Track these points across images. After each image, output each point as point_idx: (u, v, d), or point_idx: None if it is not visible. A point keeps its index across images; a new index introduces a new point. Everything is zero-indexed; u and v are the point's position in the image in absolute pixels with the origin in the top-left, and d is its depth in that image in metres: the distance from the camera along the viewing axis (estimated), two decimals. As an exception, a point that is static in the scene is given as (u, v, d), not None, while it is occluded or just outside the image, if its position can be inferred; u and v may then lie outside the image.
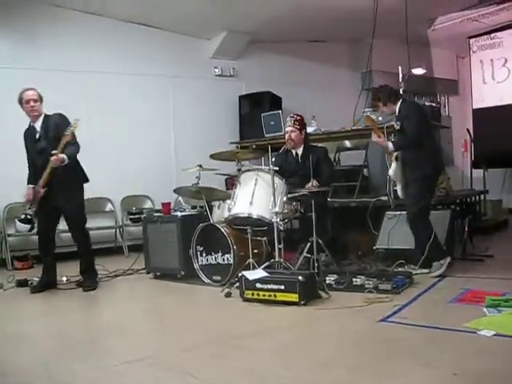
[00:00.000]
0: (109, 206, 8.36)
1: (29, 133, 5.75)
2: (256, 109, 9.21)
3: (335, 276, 5.15)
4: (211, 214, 5.82)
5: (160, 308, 4.97)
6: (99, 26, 8.48)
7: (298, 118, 6.01)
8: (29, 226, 7.72)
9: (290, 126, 5.98)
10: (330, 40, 10.34)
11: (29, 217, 7.73)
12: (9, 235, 7.77)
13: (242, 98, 9.56)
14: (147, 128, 8.76)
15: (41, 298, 5.41)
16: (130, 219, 8.39)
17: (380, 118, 6.47)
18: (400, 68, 8.03)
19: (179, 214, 6.07)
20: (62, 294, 5.59)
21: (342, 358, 3.26)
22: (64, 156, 5.38)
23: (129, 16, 8.58)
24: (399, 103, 5.48)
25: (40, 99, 5.64)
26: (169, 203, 6.33)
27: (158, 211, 6.92)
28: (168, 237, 5.91)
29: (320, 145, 6.63)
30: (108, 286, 5.85)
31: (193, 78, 9.24)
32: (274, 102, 9.29)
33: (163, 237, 5.96)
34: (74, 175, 5.68)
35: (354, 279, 5.03)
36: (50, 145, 5.48)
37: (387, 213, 6.30)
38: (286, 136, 6.01)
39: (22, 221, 7.69)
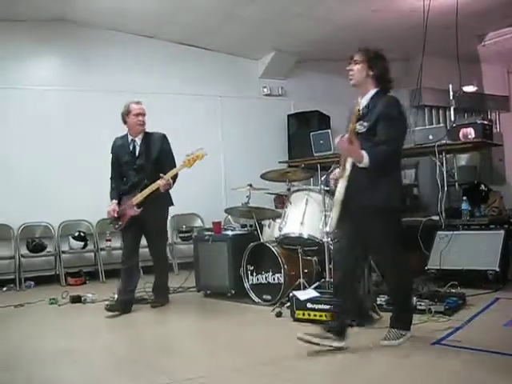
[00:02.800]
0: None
1: (124, 145, 5.63)
2: (304, 128, 9.25)
3: (386, 297, 5.11)
4: (261, 233, 5.87)
5: (210, 327, 5.00)
6: (151, 48, 8.73)
7: None
8: (82, 244, 8.01)
9: None
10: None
11: (82, 234, 8.01)
12: (63, 252, 7.97)
13: (291, 117, 9.62)
14: (194, 147, 8.86)
15: (95, 314, 5.49)
16: (180, 237, 8.50)
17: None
18: (450, 85, 7.93)
19: (230, 233, 6.14)
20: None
21: (395, 381, 3.24)
22: (171, 181, 5.38)
23: (180, 38, 8.77)
24: (374, 91, 3.87)
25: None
26: (219, 222, 6.41)
27: (208, 230, 7.00)
28: (219, 255, 5.96)
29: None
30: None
31: (242, 98, 9.35)
32: (322, 120, 9.31)
33: (214, 255, 6.02)
34: (163, 196, 5.53)
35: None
36: (149, 164, 5.45)
37: (439, 232, 6.21)
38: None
39: (75, 238, 7.99)
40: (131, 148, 5.58)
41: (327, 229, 5.12)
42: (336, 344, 3.74)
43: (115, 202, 5.57)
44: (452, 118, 7.84)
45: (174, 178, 5.48)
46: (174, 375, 3.51)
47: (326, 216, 5.13)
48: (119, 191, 5.63)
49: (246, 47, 9.11)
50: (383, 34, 8.49)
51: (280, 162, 8.91)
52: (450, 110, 8.20)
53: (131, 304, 5.53)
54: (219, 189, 8.87)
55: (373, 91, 3.85)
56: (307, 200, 5.34)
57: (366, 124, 3.74)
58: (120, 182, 5.67)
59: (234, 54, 9.32)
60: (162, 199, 5.53)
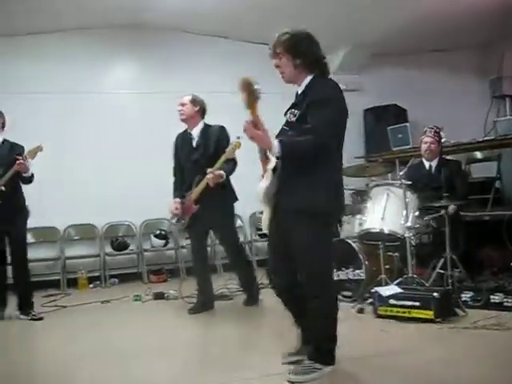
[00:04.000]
0: (238, 222, 8.60)
1: (183, 139, 5.59)
2: (381, 122, 9.11)
3: (471, 293, 5.00)
4: (341, 229, 5.84)
5: (291, 324, 4.99)
6: (226, 47, 8.84)
7: (438, 130, 5.91)
8: (163, 242, 8.21)
9: (430, 136, 5.88)
10: (454, 48, 10.03)
11: (163, 233, 8.20)
12: (145, 250, 8.20)
13: (367, 112, 9.50)
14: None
15: (178, 311, 5.62)
16: (259, 235, 8.57)
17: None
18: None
19: (309, 229, 6.12)
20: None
21: (486, 380, 3.15)
22: (222, 173, 5.21)
23: (254, 37, 8.82)
24: (309, 78, 3.39)
25: (192, 102, 5.45)
26: (297, 219, 6.40)
27: (286, 227, 7.02)
28: (298, 252, 5.95)
29: (449, 157, 6.46)
30: (241, 300, 5.88)
31: (317, 94, 9.31)
32: (399, 114, 9.14)
33: (293, 252, 6.02)
34: (224, 192, 5.42)
35: (491, 296, 4.86)
36: (204, 157, 5.32)
37: (525, 227, 6.02)
38: (425, 146, 5.92)
39: (157, 236, 8.19)
40: (189, 141, 5.52)
41: (409, 224, 5.04)
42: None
43: (177, 200, 5.48)
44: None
45: (230, 169, 5.32)
46: (262, 370, 3.54)
47: (407, 211, 5.05)
48: (182, 188, 5.53)
49: (320, 43, 9.05)
50: (458, 22, 8.26)
51: (356, 158, 8.82)
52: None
53: (212, 302, 5.57)
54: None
55: (309, 78, 3.38)
56: (388, 195, 5.26)
57: (296, 112, 3.30)
58: (181, 178, 5.58)
59: (308, 50, 9.29)
60: (224, 195, 5.39)
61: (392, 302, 4.56)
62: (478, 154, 8.11)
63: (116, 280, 7.90)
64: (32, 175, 5.52)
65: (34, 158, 5.38)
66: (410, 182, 5.14)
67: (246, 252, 6.01)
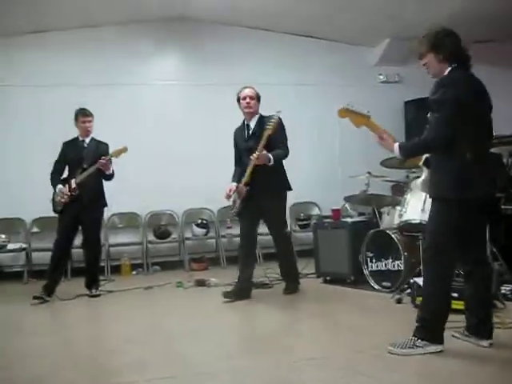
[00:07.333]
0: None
1: (240, 130, 5.72)
2: (422, 114, 9.02)
3: (511, 286, 4.99)
4: (380, 221, 5.89)
5: (331, 311, 5.09)
6: (265, 40, 8.97)
7: None
8: (204, 231, 8.37)
9: None
10: (496, 39, 9.89)
11: (204, 222, 8.36)
12: (186, 238, 8.37)
13: (408, 104, 9.47)
14: (311, 136, 9.00)
15: (219, 298, 5.63)
16: (298, 225, 8.66)
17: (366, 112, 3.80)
18: None
19: (349, 220, 6.21)
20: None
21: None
22: (268, 155, 5.25)
23: (294, 29, 8.91)
24: (448, 69, 3.52)
25: (257, 98, 5.59)
26: (339, 210, 6.49)
27: (325, 217, 7.10)
28: (338, 242, 6.05)
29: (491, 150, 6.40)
30: (280, 288, 5.92)
31: (356, 86, 9.30)
32: (441, 106, 9.08)
33: (333, 242, 6.13)
34: (277, 179, 5.51)
35: (530, 290, 4.85)
36: (257, 145, 5.30)
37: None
38: None
39: (198, 225, 8.35)
40: (245, 132, 5.66)
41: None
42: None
43: (234, 184, 5.59)
44: None
45: (281, 154, 5.41)
46: (297, 354, 3.66)
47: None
48: (240, 175, 5.61)
49: (361, 35, 9.07)
50: (504, 12, 8.14)
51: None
52: None
53: (249, 291, 5.62)
54: (335, 177, 8.91)
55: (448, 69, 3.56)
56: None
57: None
58: (240, 168, 5.67)
59: (349, 42, 9.31)
60: (276, 182, 5.48)
61: (430, 292, 4.58)
62: (521, 147, 8.00)
63: (158, 267, 8.10)
64: (113, 173, 6.10)
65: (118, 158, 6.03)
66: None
67: (291, 241, 6.02)
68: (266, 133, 5.23)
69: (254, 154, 5.23)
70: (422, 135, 3.51)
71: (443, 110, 3.38)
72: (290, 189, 5.67)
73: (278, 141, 5.39)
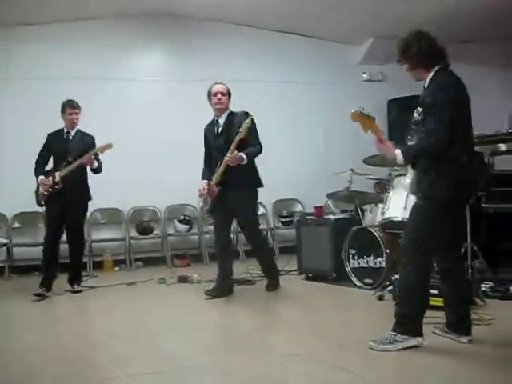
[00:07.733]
0: (261, 210, 8.70)
1: (210, 127, 5.67)
2: (405, 113, 9.07)
3: (491, 283, 5.04)
4: (363, 218, 5.92)
5: (313, 308, 5.13)
6: (252, 37, 8.97)
7: None
8: (187, 227, 8.36)
9: None
10: (478, 39, 9.97)
11: (187, 218, 8.35)
12: (169, 234, 8.35)
13: (391, 103, 9.52)
14: (296, 133, 9.02)
15: (202, 294, 5.64)
16: (281, 222, 8.67)
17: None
18: None
19: (332, 217, 6.23)
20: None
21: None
22: (242, 155, 5.25)
23: (280, 27, 8.92)
24: (434, 71, 3.53)
25: (228, 94, 5.55)
26: (322, 207, 6.52)
27: (308, 214, 7.13)
28: (321, 239, 6.07)
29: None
30: (262, 285, 5.93)
31: (340, 84, 9.35)
32: (423, 105, 9.13)
33: (316, 239, 6.14)
34: (248, 176, 5.46)
35: (511, 288, 4.90)
36: (227, 143, 5.33)
37: None
38: None
39: (181, 221, 8.34)
40: (215, 129, 5.60)
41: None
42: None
43: (205, 181, 5.57)
44: None
45: (254, 152, 5.39)
46: (280, 350, 3.67)
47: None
48: (209, 173, 5.61)
49: (346, 33, 9.11)
50: (487, 11, 8.19)
51: (380, 148, 8.85)
52: None
53: (231, 287, 5.62)
54: (319, 174, 8.92)
55: (433, 71, 3.56)
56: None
57: (420, 110, 3.64)
58: (210, 165, 5.64)
59: (333, 40, 9.34)
60: (247, 179, 5.44)
61: (412, 289, 4.61)
62: (502, 147, 8.07)
63: (140, 263, 8.08)
64: (100, 166, 6.06)
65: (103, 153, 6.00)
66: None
67: (265, 237, 6.02)
68: (239, 136, 5.22)
69: (226, 157, 5.24)
70: (422, 139, 3.54)
71: (440, 112, 3.37)
72: (261, 185, 5.63)
73: (250, 141, 5.38)
